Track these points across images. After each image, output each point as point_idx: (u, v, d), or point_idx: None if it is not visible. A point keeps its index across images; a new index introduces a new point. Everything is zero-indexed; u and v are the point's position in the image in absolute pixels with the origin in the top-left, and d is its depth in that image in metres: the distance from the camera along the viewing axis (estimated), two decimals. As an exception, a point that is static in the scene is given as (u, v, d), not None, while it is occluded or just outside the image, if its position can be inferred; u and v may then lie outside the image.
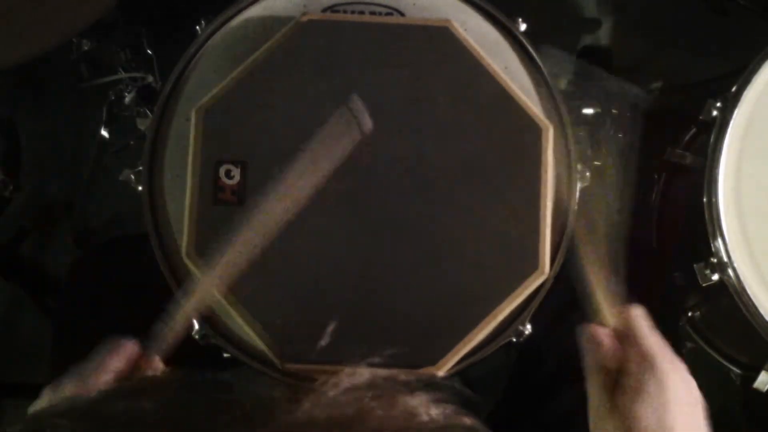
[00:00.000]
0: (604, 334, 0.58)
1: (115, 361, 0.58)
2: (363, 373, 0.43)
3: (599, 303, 0.59)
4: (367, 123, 0.68)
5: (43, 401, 0.58)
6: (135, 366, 0.60)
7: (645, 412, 0.53)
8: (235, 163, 0.75)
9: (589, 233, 0.60)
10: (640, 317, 0.58)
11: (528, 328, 0.76)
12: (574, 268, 0.60)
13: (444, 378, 0.74)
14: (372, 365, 0.72)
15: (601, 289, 0.59)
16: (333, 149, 0.66)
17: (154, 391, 0.45)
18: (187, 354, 0.77)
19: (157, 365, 0.61)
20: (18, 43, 0.84)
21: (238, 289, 0.72)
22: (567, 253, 0.77)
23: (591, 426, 0.57)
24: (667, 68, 1.38)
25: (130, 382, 0.56)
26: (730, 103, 0.85)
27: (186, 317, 0.63)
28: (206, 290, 0.64)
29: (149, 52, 1.24)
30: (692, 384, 0.57)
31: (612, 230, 0.62)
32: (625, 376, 0.55)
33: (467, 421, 0.40)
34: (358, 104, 0.68)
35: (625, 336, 0.57)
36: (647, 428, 0.53)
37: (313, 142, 0.66)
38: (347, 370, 0.43)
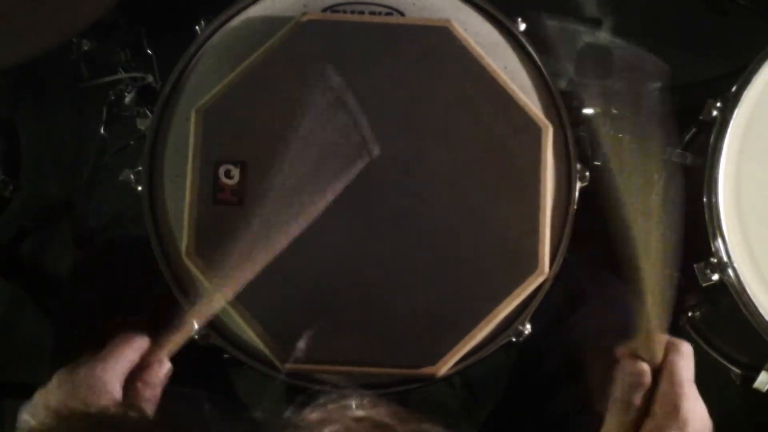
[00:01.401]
0: (647, 371, 0.56)
1: (127, 352, 0.60)
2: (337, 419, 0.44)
3: (651, 332, 0.57)
4: (375, 149, 0.70)
5: (53, 385, 0.59)
6: (144, 360, 0.61)
7: None
8: (234, 163, 0.75)
9: (644, 255, 0.58)
10: (687, 357, 0.56)
11: (528, 328, 0.76)
12: (629, 289, 0.58)
13: (444, 378, 0.74)
14: (372, 365, 0.72)
15: (656, 317, 0.58)
16: (344, 175, 0.69)
17: None
18: (187, 354, 0.78)
19: (165, 363, 0.62)
20: (18, 43, 0.84)
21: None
22: (568, 253, 0.77)
23: None
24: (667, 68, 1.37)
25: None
26: (730, 103, 0.85)
27: (195, 322, 0.64)
28: (217, 301, 0.66)
29: (149, 52, 1.24)
30: (704, 407, 0.56)
31: (668, 253, 0.60)
32: (650, 419, 0.54)
33: None
34: (368, 130, 0.69)
35: (663, 378, 0.56)
36: None
37: (327, 169, 0.68)
38: (316, 415, 0.45)
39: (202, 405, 0.60)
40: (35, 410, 0.57)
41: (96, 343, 0.63)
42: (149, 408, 0.60)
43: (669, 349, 0.57)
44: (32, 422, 0.57)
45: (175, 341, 0.64)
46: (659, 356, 0.57)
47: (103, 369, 0.58)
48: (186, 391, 0.61)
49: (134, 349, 0.61)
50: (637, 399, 0.55)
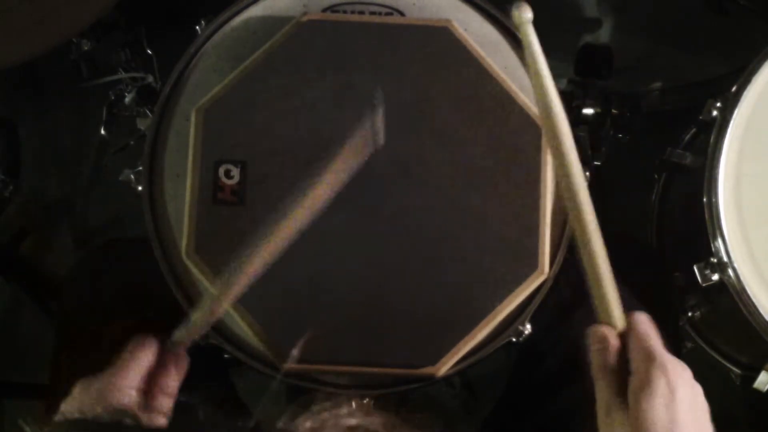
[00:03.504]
0: (611, 334, 0.58)
1: (143, 357, 0.62)
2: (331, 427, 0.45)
3: (609, 304, 0.59)
4: (381, 140, 0.69)
5: (74, 395, 0.61)
6: (160, 361, 0.63)
7: (655, 409, 0.53)
8: (234, 163, 0.75)
9: (593, 233, 0.60)
10: (646, 321, 0.58)
11: (528, 328, 0.76)
12: (581, 269, 0.60)
13: (444, 378, 0.74)
14: (372, 365, 0.72)
15: (610, 291, 0.59)
16: (346, 171, 0.67)
17: None
18: (187, 354, 0.78)
19: (182, 361, 0.64)
20: (17, 43, 0.84)
21: (238, 289, 0.73)
22: (567, 253, 0.77)
23: (599, 425, 0.56)
24: (667, 68, 1.38)
25: None
26: (730, 103, 0.85)
27: (203, 325, 0.66)
28: (224, 303, 0.66)
29: (149, 52, 1.24)
30: (699, 390, 0.57)
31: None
32: (633, 375, 0.55)
33: None
34: (380, 123, 0.69)
35: (631, 337, 0.57)
36: (656, 424, 0.53)
37: (327, 168, 0.67)
38: (310, 424, 0.47)
39: (197, 413, 0.61)
40: (58, 422, 0.60)
41: (102, 345, 0.64)
42: (167, 408, 0.62)
43: (629, 319, 0.59)
44: None
45: (185, 339, 0.65)
46: (619, 322, 0.59)
47: (123, 378, 0.60)
48: (181, 399, 0.62)
49: (149, 352, 0.63)
50: (610, 359, 0.57)
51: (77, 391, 0.61)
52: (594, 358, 0.58)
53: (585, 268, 0.60)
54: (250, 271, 0.65)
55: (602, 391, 0.57)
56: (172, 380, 0.64)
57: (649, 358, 0.55)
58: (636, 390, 0.54)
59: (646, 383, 0.54)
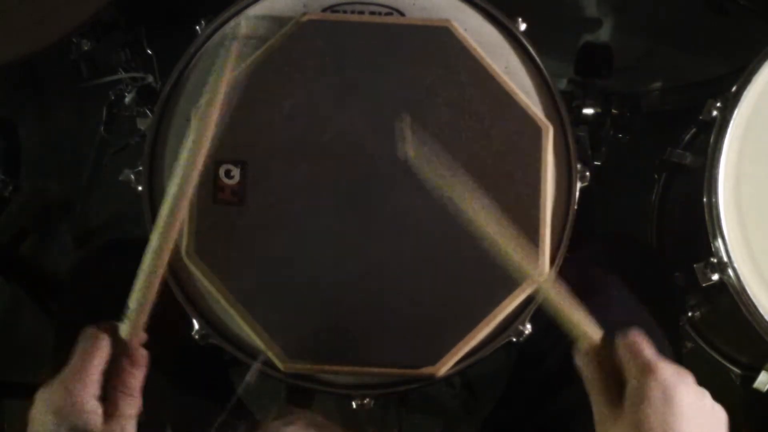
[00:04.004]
0: (583, 349, 0.59)
1: (95, 358, 0.58)
2: None
3: (579, 325, 0.60)
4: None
5: (37, 409, 0.58)
6: (114, 358, 0.59)
7: (650, 418, 0.53)
8: (234, 163, 0.75)
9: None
10: (638, 334, 0.58)
11: (528, 328, 0.76)
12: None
13: (444, 378, 0.74)
14: (372, 365, 0.72)
15: (574, 314, 0.60)
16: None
17: None
18: (188, 354, 0.78)
19: (137, 353, 0.60)
20: (16, 40, 0.84)
21: (238, 289, 0.73)
22: (567, 253, 0.77)
23: None
24: (667, 68, 1.38)
25: None
26: (730, 103, 0.85)
27: (148, 290, 0.62)
28: (159, 273, 0.63)
29: (149, 52, 1.24)
30: (704, 394, 0.56)
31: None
32: (628, 386, 0.55)
33: None
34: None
35: (623, 350, 0.58)
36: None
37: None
38: None
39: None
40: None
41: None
42: (129, 414, 0.58)
43: (622, 336, 0.59)
44: None
45: (137, 322, 0.61)
46: (595, 334, 0.59)
47: (81, 387, 0.56)
48: (150, 419, 0.59)
49: (99, 351, 0.59)
50: (603, 371, 0.57)
51: (39, 406, 0.57)
52: (585, 375, 0.59)
53: (544, 307, 0.61)
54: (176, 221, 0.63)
55: (598, 405, 0.57)
56: (131, 376, 0.59)
57: (644, 368, 0.55)
58: (631, 398, 0.54)
59: (641, 393, 0.54)
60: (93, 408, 0.56)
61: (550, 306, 0.61)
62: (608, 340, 0.59)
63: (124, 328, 0.61)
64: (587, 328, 0.60)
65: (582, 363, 0.59)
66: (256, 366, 0.70)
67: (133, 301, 0.61)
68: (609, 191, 1.37)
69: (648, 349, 0.57)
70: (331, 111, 0.77)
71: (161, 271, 0.63)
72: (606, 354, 0.59)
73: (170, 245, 0.63)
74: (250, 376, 0.67)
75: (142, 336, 0.61)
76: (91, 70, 1.23)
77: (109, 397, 0.58)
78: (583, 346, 0.59)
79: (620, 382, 0.57)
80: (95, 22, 0.88)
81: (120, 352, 0.60)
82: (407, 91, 0.77)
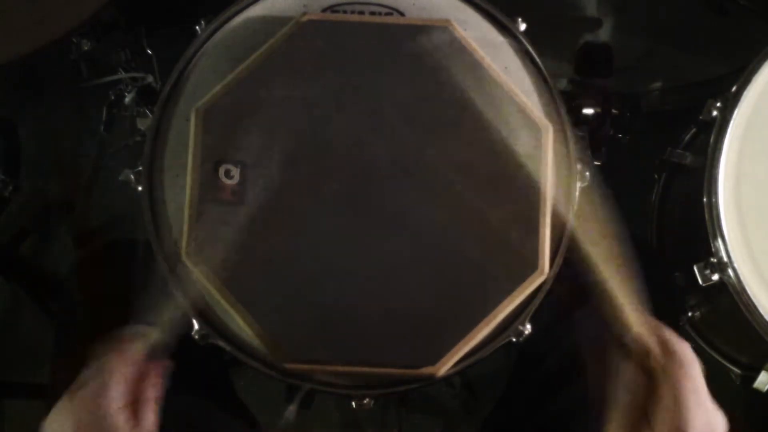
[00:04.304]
0: (641, 386, 0.57)
1: (123, 370, 0.58)
2: None
3: (621, 307, 0.58)
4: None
5: (54, 419, 0.57)
6: (142, 371, 0.60)
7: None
8: (234, 163, 0.75)
9: (599, 235, 0.59)
10: (689, 365, 0.56)
11: (528, 328, 0.76)
12: (586, 271, 0.58)
13: (444, 378, 0.74)
14: (372, 365, 0.72)
15: (621, 291, 0.58)
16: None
17: None
18: (188, 354, 0.77)
19: (162, 368, 0.61)
20: (15, 39, 0.84)
21: (238, 289, 0.73)
22: (568, 253, 0.77)
23: None
24: (667, 68, 1.38)
25: None
26: (730, 103, 0.85)
27: (178, 315, 0.63)
28: (201, 290, 0.63)
29: (149, 52, 1.24)
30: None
31: (619, 230, 0.61)
32: (676, 410, 0.54)
33: None
34: None
35: (676, 375, 0.55)
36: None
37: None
38: None
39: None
40: None
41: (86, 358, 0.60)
42: (151, 420, 0.58)
43: (669, 357, 0.56)
44: None
45: (165, 339, 0.62)
46: (636, 327, 0.57)
47: (105, 399, 0.56)
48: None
49: (128, 364, 0.59)
50: (633, 410, 0.56)
51: (55, 416, 0.57)
52: (619, 395, 0.57)
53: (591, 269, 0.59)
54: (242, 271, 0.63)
55: (624, 418, 0.55)
56: (156, 388, 0.60)
57: (697, 406, 0.53)
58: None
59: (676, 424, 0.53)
60: (122, 421, 0.56)
61: (597, 272, 0.59)
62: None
63: (155, 335, 0.61)
64: (628, 311, 0.58)
65: (625, 385, 0.57)
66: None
67: (166, 314, 0.63)
68: (609, 191, 1.37)
69: (701, 382, 0.56)
70: (331, 111, 0.77)
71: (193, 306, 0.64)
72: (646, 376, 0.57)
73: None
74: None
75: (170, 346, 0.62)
76: (91, 70, 1.23)
77: (134, 407, 0.58)
78: (634, 373, 0.57)
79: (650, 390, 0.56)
80: (95, 22, 0.88)
81: (149, 363, 0.60)
82: (407, 91, 0.77)
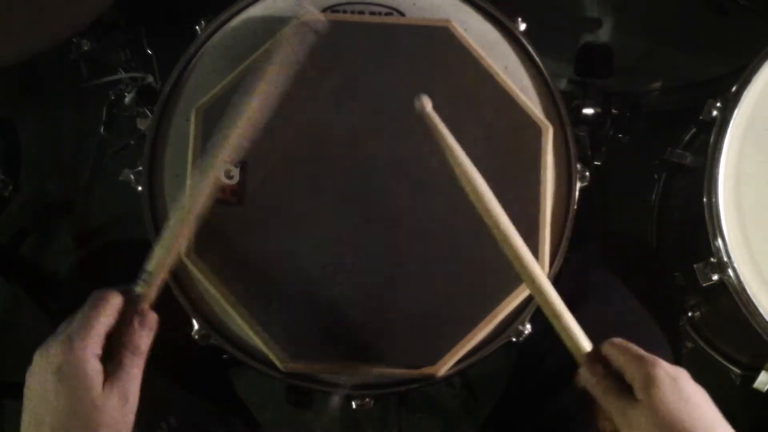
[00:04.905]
0: (597, 365, 0.60)
1: (102, 318, 0.56)
2: None
3: (574, 336, 0.62)
4: (317, 19, 0.68)
5: (35, 370, 0.57)
6: (123, 318, 0.58)
7: (665, 394, 0.55)
8: (234, 163, 0.75)
9: (539, 277, 0.63)
10: (621, 340, 0.60)
11: (528, 328, 0.76)
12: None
13: (444, 378, 0.74)
14: (372, 365, 0.72)
15: (571, 323, 0.62)
16: (292, 52, 0.67)
17: None
18: (188, 354, 0.78)
19: (148, 315, 0.59)
20: (15, 42, 0.84)
21: (238, 289, 0.73)
22: (567, 253, 0.77)
23: (619, 428, 0.58)
24: (667, 68, 1.37)
25: None
26: (730, 103, 0.85)
27: (167, 255, 0.61)
28: (184, 234, 0.63)
29: (149, 52, 1.24)
30: (699, 387, 0.58)
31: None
32: (635, 381, 0.57)
33: None
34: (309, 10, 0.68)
35: (617, 356, 0.59)
36: (670, 405, 0.55)
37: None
38: None
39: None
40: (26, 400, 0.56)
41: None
42: (134, 374, 0.56)
43: (609, 344, 0.61)
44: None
45: (149, 293, 0.60)
46: (587, 345, 0.62)
47: (81, 346, 0.54)
48: (150, 419, 0.58)
49: (108, 308, 0.57)
50: (608, 382, 0.59)
51: (36, 367, 0.56)
52: (594, 387, 0.60)
53: (543, 310, 0.63)
54: (207, 184, 0.62)
55: (612, 403, 0.58)
56: (139, 337, 0.57)
57: (643, 361, 0.57)
58: (643, 387, 0.56)
59: (650, 378, 0.56)
60: (94, 366, 0.55)
61: (549, 313, 0.62)
62: (599, 353, 0.61)
63: (138, 288, 0.60)
64: (581, 340, 0.62)
65: (584, 379, 0.61)
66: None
67: (151, 263, 0.61)
68: (609, 191, 1.37)
69: (637, 347, 0.59)
70: (331, 111, 0.77)
71: (185, 234, 0.62)
72: (602, 365, 0.60)
73: (196, 210, 0.63)
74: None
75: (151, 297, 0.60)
76: (91, 70, 1.23)
77: (114, 355, 0.56)
78: (585, 369, 0.61)
79: (625, 383, 0.58)
80: (95, 22, 0.88)
81: (130, 312, 0.58)
82: (407, 91, 0.77)
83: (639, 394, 0.56)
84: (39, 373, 0.56)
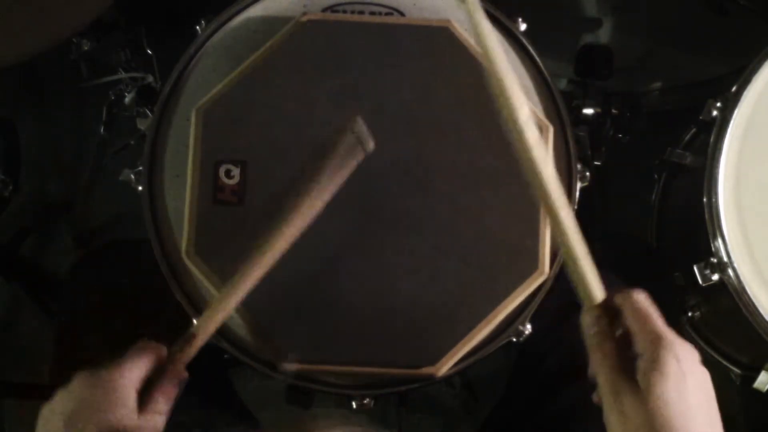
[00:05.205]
0: (593, 316, 0.57)
1: (145, 359, 0.60)
2: None
3: (588, 282, 0.58)
4: (370, 144, 0.69)
5: (73, 386, 0.59)
6: (161, 368, 0.61)
7: (668, 391, 0.52)
8: (235, 163, 0.75)
9: (562, 210, 0.59)
10: (645, 299, 0.57)
11: (528, 328, 0.76)
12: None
13: (444, 378, 0.74)
14: (372, 365, 0.72)
15: (588, 267, 0.58)
16: (339, 175, 0.68)
17: None
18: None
19: (182, 373, 0.62)
20: (15, 42, 0.84)
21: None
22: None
23: (607, 411, 0.55)
24: (667, 68, 1.37)
25: None
26: (730, 103, 0.85)
27: (207, 332, 0.64)
28: (227, 310, 0.65)
29: (149, 52, 1.24)
30: (707, 374, 0.56)
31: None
32: (641, 357, 0.54)
33: None
34: (362, 128, 0.69)
35: (633, 317, 0.56)
36: (670, 406, 0.52)
37: (321, 170, 0.67)
38: None
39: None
40: (51, 412, 0.58)
41: (95, 347, 0.62)
42: (162, 413, 0.60)
43: (625, 297, 0.57)
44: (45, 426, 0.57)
45: (188, 352, 0.63)
46: (600, 294, 0.58)
47: (121, 375, 0.58)
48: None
49: (151, 355, 0.61)
50: (609, 342, 0.56)
51: (75, 383, 0.58)
52: (592, 344, 0.57)
53: (561, 247, 0.59)
54: (250, 279, 0.64)
55: (607, 375, 0.55)
56: (172, 386, 0.61)
57: (657, 338, 0.54)
58: (647, 372, 0.53)
59: (657, 365, 0.53)
60: (131, 398, 0.58)
61: (567, 252, 0.59)
62: (612, 307, 0.57)
63: (179, 346, 0.63)
64: (595, 289, 0.58)
65: (590, 331, 0.57)
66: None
67: (196, 326, 0.64)
68: (609, 191, 1.37)
69: (657, 317, 0.56)
70: (331, 111, 0.77)
71: (229, 309, 0.65)
72: (610, 320, 0.57)
73: (243, 292, 0.65)
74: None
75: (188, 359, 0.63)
76: (91, 70, 1.23)
77: (148, 395, 0.59)
78: (591, 312, 0.57)
79: (629, 351, 0.55)
80: (95, 22, 0.88)
81: (169, 365, 0.62)
82: (407, 91, 0.77)
83: (640, 376, 0.53)
84: (67, 403, 0.58)
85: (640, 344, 0.54)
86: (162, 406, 0.60)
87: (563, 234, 0.59)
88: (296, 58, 0.77)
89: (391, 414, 1.26)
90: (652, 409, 0.52)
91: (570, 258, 0.59)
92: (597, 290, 0.58)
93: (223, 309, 0.65)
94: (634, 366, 0.54)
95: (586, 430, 0.76)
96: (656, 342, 0.54)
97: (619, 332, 0.57)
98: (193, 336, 0.63)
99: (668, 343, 0.53)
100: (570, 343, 0.81)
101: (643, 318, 0.55)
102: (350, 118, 0.69)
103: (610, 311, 0.57)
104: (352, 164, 0.68)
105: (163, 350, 0.62)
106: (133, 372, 0.59)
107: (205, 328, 0.64)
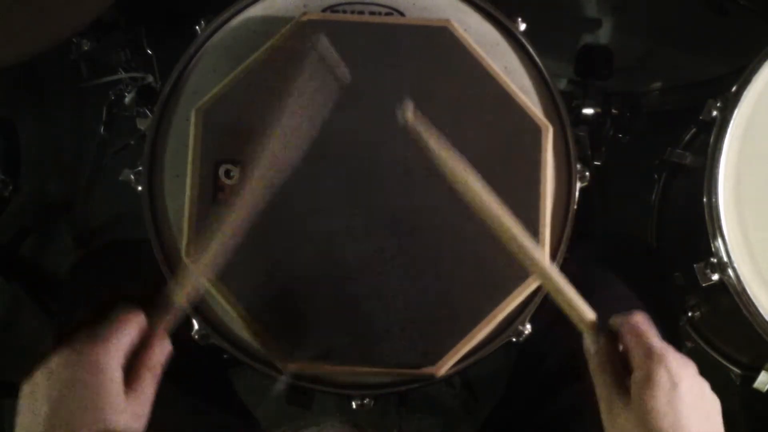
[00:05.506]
0: (599, 339, 0.60)
1: (128, 331, 0.57)
2: None
3: (578, 308, 0.61)
4: (341, 69, 0.66)
5: (54, 365, 0.57)
6: (145, 340, 0.58)
7: (657, 401, 0.53)
8: (234, 163, 0.75)
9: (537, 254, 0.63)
10: (642, 318, 0.59)
11: (528, 328, 0.76)
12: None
13: (444, 378, 0.74)
14: (372, 365, 0.72)
15: (573, 295, 0.61)
16: (311, 110, 0.65)
17: None
18: (188, 354, 0.77)
19: (166, 344, 0.59)
20: (17, 43, 0.84)
21: (238, 289, 0.73)
22: (567, 253, 0.77)
23: (603, 421, 0.57)
24: (667, 68, 1.37)
25: None
26: (730, 103, 0.85)
27: (185, 295, 0.61)
28: (199, 273, 0.62)
29: (149, 52, 1.24)
30: (705, 385, 0.57)
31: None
32: (634, 371, 0.56)
33: None
34: (328, 48, 0.65)
35: (628, 335, 0.58)
36: (659, 417, 0.53)
37: (288, 106, 0.64)
38: None
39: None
40: (33, 396, 0.56)
41: (94, 316, 0.59)
42: (149, 392, 0.57)
43: (625, 319, 0.59)
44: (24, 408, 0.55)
45: (169, 320, 0.60)
46: (591, 316, 0.60)
47: (104, 351, 0.55)
48: (149, 419, 0.58)
49: (134, 327, 0.58)
50: (608, 359, 0.58)
51: (55, 364, 0.56)
52: (592, 364, 0.59)
53: (544, 286, 0.62)
54: (226, 236, 0.62)
55: (603, 389, 0.57)
56: (157, 357, 0.58)
57: (649, 352, 0.56)
58: (638, 384, 0.55)
59: (648, 377, 0.54)
60: (118, 378, 0.55)
61: (551, 287, 0.61)
62: (608, 326, 0.60)
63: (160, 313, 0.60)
64: (585, 312, 0.60)
65: (588, 350, 0.60)
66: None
67: (176, 292, 0.61)
68: (609, 191, 1.37)
69: (653, 334, 0.57)
70: (331, 111, 0.77)
71: (207, 269, 0.62)
72: (609, 340, 0.59)
73: (219, 249, 0.63)
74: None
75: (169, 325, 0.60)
76: (91, 70, 1.23)
77: (132, 373, 0.56)
78: (586, 334, 0.60)
79: (625, 368, 0.57)
80: (95, 22, 0.88)
81: (150, 334, 0.59)
82: (407, 91, 0.77)
83: (633, 390, 0.55)
84: (58, 367, 0.56)
85: (635, 360, 0.56)
86: (149, 386, 0.56)
87: (544, 276, 0.62)
88: (296, 58, 0.77)
89: (391, 414, 1.26)
90: (644, 422, 0.53)
91: (553, 292, 0.61)
92: (587, 312, 0.61)
93: (204, 271, 0.62)
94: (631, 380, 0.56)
95: (586, 430, 0.76)
96: (648, 356, 0.55)
97: (621, 349, 0.59)
98: (171, 301, 0.60)
99: (659, 357, 0.55)
100: (569, 342, 0.81)
101: (637, 335, 0.57)
102: (315, 37, 0.65)
103: (609, 332, 0.59)
104: (323, 92, 0.65)
105: (144, 320, 0.59)
106: (118, 348, 0.56)
107: (182, 288, 0.61)
